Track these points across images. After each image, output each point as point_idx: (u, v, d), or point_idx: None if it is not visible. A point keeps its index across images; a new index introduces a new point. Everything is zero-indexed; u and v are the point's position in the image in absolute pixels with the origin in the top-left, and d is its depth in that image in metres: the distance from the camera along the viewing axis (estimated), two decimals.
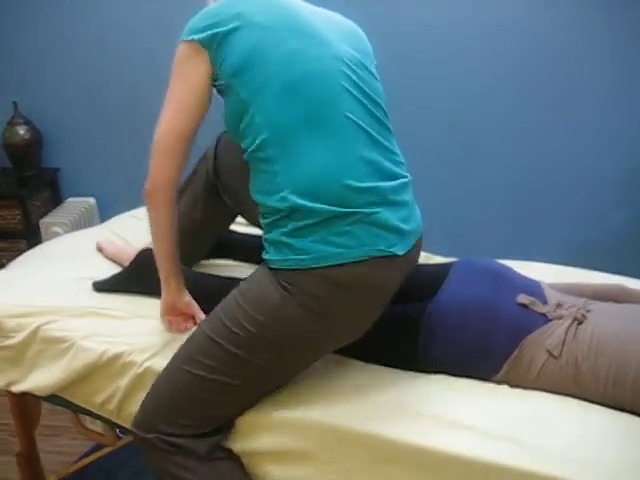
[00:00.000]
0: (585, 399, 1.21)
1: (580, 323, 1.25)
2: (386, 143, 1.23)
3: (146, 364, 1.32)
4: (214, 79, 1.20)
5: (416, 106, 2.53)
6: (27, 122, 2.76)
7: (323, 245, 1.13)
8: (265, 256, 1.20)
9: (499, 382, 1.27)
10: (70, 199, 2.94)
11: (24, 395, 1.49)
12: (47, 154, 2.89)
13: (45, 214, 2.82)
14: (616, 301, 1.38)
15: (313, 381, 1.29)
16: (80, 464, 1.97)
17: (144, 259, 1.49)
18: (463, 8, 2.41)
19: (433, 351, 1.30)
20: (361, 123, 1.19)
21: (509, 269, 1.44)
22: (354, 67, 1.22)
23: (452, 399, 1.23)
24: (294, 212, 1.14)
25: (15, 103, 2.73)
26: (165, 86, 1.22)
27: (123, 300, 1.50)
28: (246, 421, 1.25)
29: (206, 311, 1.30)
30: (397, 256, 1.18)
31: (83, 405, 1.43)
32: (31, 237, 2.74)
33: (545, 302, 1.31)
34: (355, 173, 1.16)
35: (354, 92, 1.20)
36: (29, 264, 1.70)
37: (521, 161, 2.58)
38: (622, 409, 1.18)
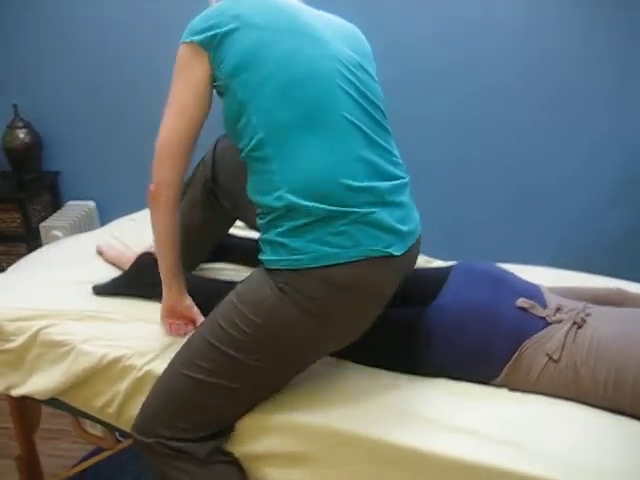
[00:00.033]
0: (585, 403, 1.21)
1: (580, 327, 1.25)
2: (384, 143, 1.23)
3: (146, 368, 1.32)
4: (214, 80, 1.21)
5: (416, 107, 2.54)
6: (27, 125, 2.76)
7: (319, 245, 1.13)
8: (261, 257, 1.20)
9: (499, 386, 1.27)
10: (70, 202, 2.94)
11: (24, 399, 1.49)
12: (47, 157, 2.90)
13: (45, 218, 2.82)
14: (616, 305, 1.38)
15: (313, 384, 1.29)
16: (80, 467, 1.97)
17: (144, 263, 1.49)
18: (463, 8, 2.42)
19: (433, 355, 1.30)
20: (358, 123, 1.19)
21: (509, 273, 1.44)
22: (352, 68, 1.22)
23: (453, 403, 1.23)
24: (290, 211, 1.14)
25: (15, 106, 2.73)
26: (165, 88, 1.23)
27: (123, 304, 1.50)
28: (246, 424, 1.25)
29: (205, 315, 1.29)
30: (394, 257, 1.18)
31: (83, 409, 1.42)
32: (31, 241, 2.74)
33: (545, 306, 1.31)
34: (352, 172, 1.15)
35: (351, 92, 1.20)
36: (29, 268, 1.70)
37: (520, 162, 2.59)
38: (622, 413, 1.18)
